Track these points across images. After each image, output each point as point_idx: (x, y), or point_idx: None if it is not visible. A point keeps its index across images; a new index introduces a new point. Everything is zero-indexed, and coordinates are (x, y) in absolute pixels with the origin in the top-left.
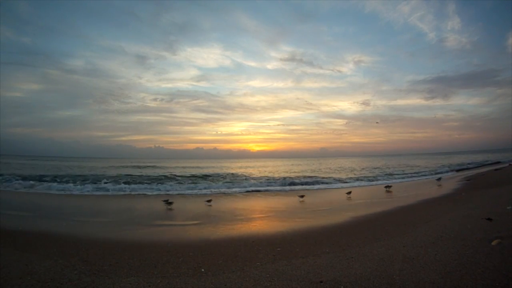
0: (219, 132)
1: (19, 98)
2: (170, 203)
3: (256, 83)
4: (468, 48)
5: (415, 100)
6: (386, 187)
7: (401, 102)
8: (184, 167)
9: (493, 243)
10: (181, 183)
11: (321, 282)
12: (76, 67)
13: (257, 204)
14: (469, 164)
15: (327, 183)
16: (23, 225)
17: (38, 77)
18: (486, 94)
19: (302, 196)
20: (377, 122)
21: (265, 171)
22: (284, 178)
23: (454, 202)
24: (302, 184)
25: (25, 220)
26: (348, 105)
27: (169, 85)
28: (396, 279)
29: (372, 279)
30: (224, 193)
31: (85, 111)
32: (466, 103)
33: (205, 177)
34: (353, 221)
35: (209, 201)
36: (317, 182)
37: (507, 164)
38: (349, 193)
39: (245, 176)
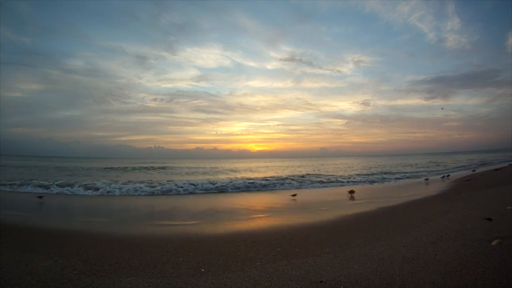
0: (219, 132)
1: (19, 98)
2: (294, 195)
3: (256, 83)
4: (467, 48)
5: (415, 100)
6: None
7: (401, 102)
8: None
9: (493, 243)
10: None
11: (321, 282)
12: (76, 67)
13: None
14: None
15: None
16: (23, 225)
17: (38, 77)
18: (486, 94)
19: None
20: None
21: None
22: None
23: (454, 202)
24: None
25: (25, 220)
26: (348, 105)
27: (169, 85)
28: (396, 279)
29: (372, 279)
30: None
31: (85, 111)
32: (466, 103)
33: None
34: (353, 221)
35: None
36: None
37: (507, 164)
38: (351, 192)
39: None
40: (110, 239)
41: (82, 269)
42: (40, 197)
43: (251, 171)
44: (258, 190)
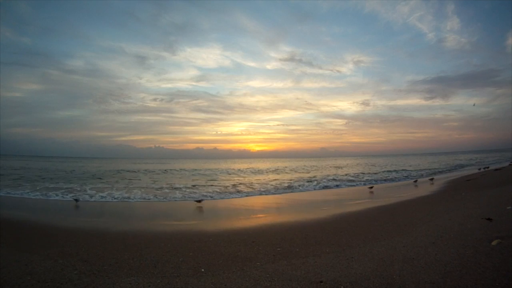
0: (219, 132)
1: (19, 98)
2: (371, 187)
3: (256, 83)
4: (467, 48)
5: (414, 100)
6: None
7: (400, 102)
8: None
9: (493, 243)
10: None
11: (321, 282)
12: (76, 67)
13: None
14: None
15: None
16: (24, 225)
17: (38, 77)
18: (486, 94)
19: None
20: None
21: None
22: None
23: (454, 202)
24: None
25: (26, 220)
26: (347, 105)
27: (169, 85)
28: (396, 279)
29: (372, 279)
30: None
31: (85, 111)
32: (466, 103)
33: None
34: (353, 221)
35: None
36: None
37: (507, 164)
38: (432, 178)
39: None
40: (110, 239)
41: (82, 269)
42: (199, 201)
43: (277, 172)
44: (342, 187)
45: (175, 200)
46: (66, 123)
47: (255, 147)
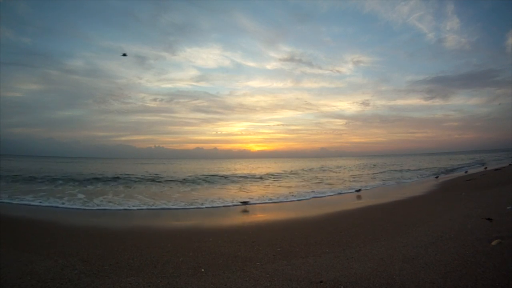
0: (219, 132)
1: (19, 98)
2: (437, 177)
3: (256, 83)
4: (467, 48)
5: (414, 100)
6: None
7: (400, 102)
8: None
9: (493, 243)
10: None
11: (321, 282)
12: (76, 67)
13: None
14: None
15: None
16: (23, 225)
17: (38, 77)
18: (485, 94)
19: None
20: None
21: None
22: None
23: (454, 202)
24: None
25: (26, 220)
26: (347, 105)
27: (169, 85)
28: (396, 279)
29: (372, 279)
30: None
31: (85, 111)
32: (466, 103)
33: None
34: (353, 221)
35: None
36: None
37: (506, 165)
38: (485, 167)
39: None
40: (111, 239)
41: (82, 269)
42: (358, 190)
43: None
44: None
45: (339, 194)
46: (66, 123)
47: (255, 147)
